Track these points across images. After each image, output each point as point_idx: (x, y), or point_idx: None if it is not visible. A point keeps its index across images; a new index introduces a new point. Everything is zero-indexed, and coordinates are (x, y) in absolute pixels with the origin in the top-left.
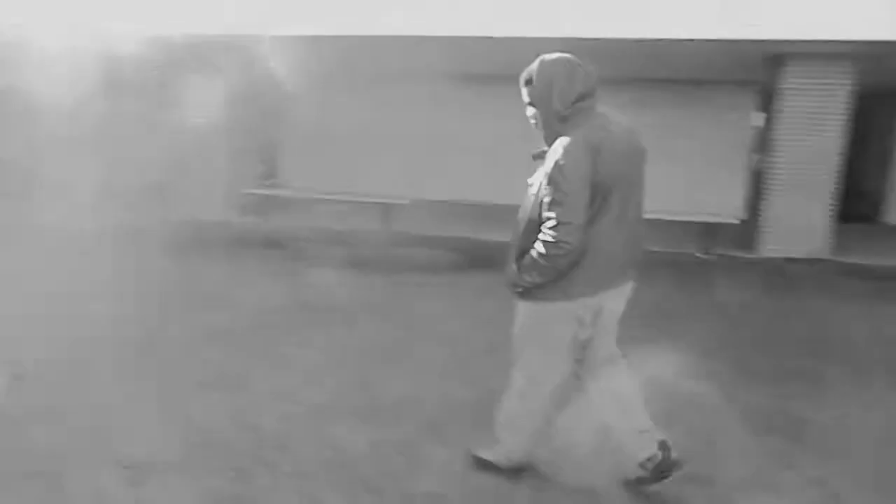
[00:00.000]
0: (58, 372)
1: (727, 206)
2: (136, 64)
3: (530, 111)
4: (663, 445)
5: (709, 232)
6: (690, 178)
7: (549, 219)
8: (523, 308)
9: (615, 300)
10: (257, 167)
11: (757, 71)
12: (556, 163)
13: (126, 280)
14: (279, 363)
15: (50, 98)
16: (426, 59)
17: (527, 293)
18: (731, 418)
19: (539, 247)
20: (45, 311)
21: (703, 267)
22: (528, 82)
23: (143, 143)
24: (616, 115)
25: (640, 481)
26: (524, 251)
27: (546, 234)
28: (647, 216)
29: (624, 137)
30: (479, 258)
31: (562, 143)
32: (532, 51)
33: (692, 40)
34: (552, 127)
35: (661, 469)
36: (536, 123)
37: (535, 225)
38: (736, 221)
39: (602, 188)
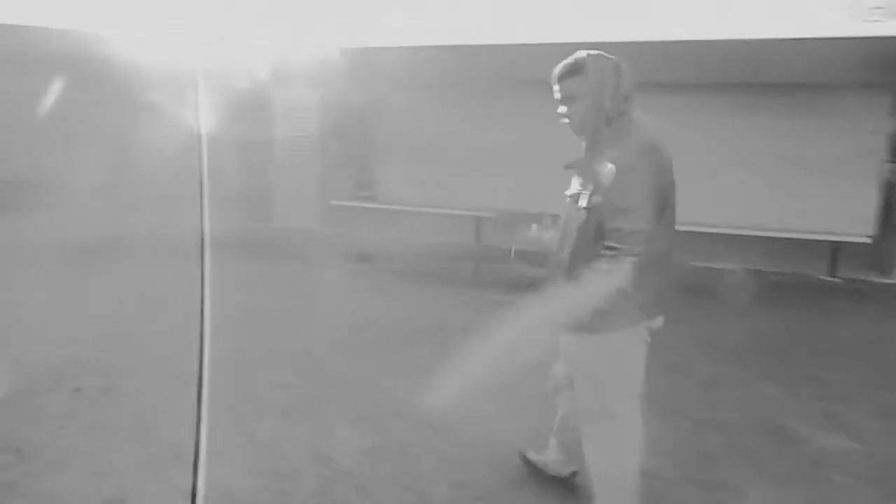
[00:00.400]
0: (144, 387)
1: (856, 223)
2: (238, 76)
3: (569, 109)
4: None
5: (835, 252)
6: (812, 191)
7: (614, 230)
8: (584, 344)
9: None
10: (353, 178)
11: (890, 72)
12: (621, 168)
13: (210, 292)
14: (361, 389)
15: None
16: (523, 67)
17: (589, 324)
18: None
19: (605, 264)
20: (133, 322)
21: (829, 292)
22: (572, 74)
23: (241, 152)
24: (646, 117)
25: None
26: (577, 274)
27: (613, 247)
28: (765, 234)
29: (665, 146)
30: None
31: (623, 147)
32: (630, 54)
33: (813, 39)
34: (597, 129)
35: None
36: (574, 124)
37: (591, 242)
38: (866, 240)
39: (660, 199)
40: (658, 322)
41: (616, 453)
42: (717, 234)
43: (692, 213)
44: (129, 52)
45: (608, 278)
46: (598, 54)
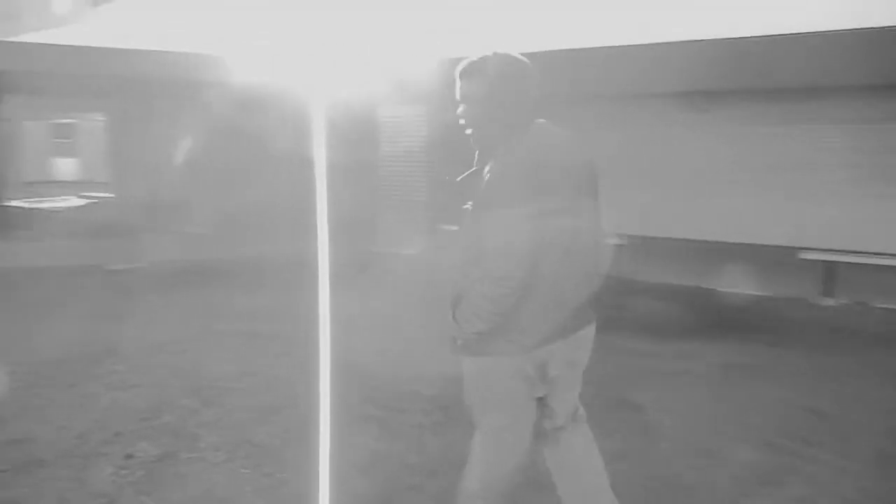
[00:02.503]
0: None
1: None
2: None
3: (464, 111)
4: None
5: None
6: None
7: (489, 252)
8: (466, 365)
9: (571, 350)
10: (461, 200)
11: None
12: (491, 182)
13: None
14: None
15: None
16: (650, 74)
17: (467, 346)
18: None
19: (480, 286)
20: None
21: None
22: (471, 74)
23: (352, 174)
24: (555, 127)
25: None
26: (461, 294)
27: (487, 269)
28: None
29: (569, 153)
30: (717, 317)
31: (504, 158)
32: (775, 55)
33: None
34: (489, 136)
35: None
36: (467, 128)
37: (472, 262)
38: None
39: (545, 215)
40: (547, 352)
41: (486, 483)
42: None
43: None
44: (243, 74)
45: (482, 302)
46: (505, 55)
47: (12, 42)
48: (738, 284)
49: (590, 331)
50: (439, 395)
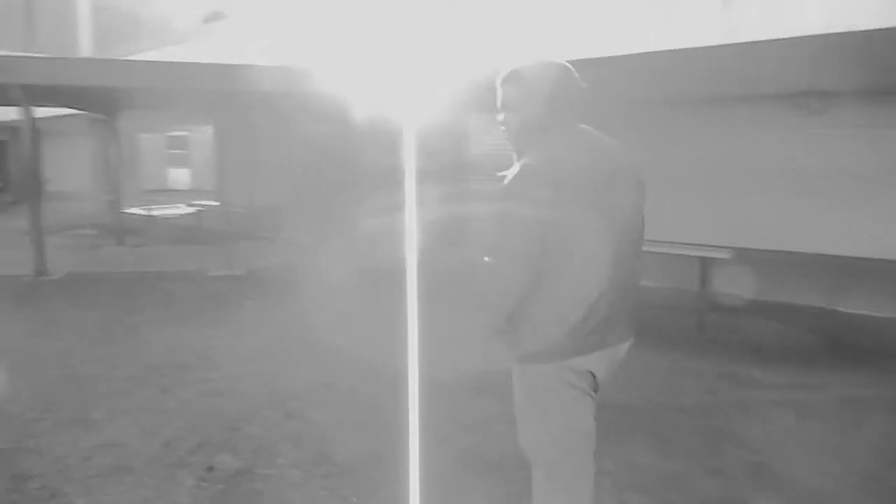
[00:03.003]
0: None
1: None
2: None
3: (504, 118)
4: None
5: None
6: None
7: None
8: (515, 372)
9: (598, 365)
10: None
11: None
12: (508, 182)
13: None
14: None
15: None
16: (760, 73)
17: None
18: None
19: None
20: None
21: None
22: (509, 82)
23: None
24: (595, 132)
25: None
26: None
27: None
28: None
29: (601, 157)
30: (845, 341)
31: (525, 160)
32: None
33: None
34: (522, 138)
35: None
36: (505, 134)
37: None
38: None
39: (569, 222)
40: (589, 362)
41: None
42: None
43: None
44: (338, 87)
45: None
46: (542, 62)
47: (129, 61)
48: (866, 305)
49: (624, 347)
50: None
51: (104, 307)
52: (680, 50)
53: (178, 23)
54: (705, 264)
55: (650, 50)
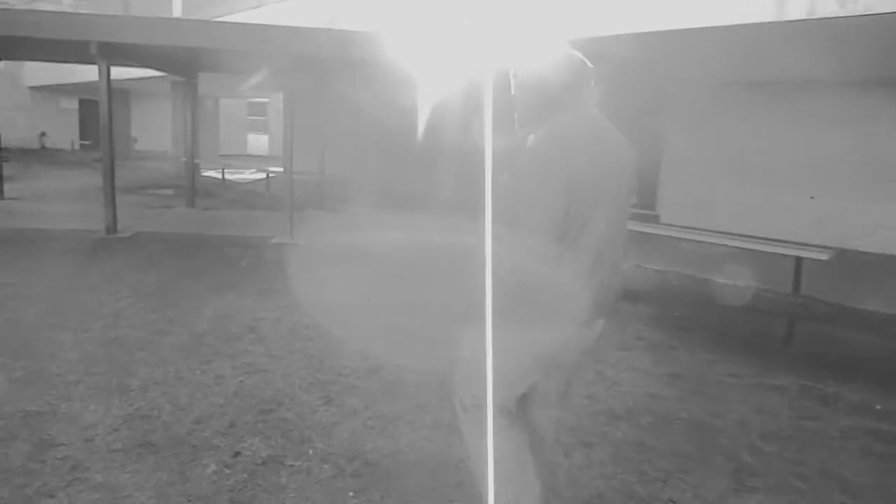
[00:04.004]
0: None
1: None
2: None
3: (518, 103)
4: None
5: None
6: None
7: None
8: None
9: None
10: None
11: None
12: (524, 153)
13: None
14: None
15: None
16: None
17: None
18: None
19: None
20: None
21: None
22: (523, 68)
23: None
24: (601, 117)
25: None
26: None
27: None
28: None
29: (598, 141)
30: None
31: (540, 133)
32: None
33: None
34: (534, 120)
35: None
36: (519, 118)
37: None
38: None
39: (569, 196)
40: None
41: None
42: None
43: None
44: (412, 54)
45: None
46: (554, 48)
47: (209, 21)
48: None
49: (598, 330)
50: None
51: (164, 269)
52: (776, 23)
53: None
54: (798, 265)
55: (738, 23)
